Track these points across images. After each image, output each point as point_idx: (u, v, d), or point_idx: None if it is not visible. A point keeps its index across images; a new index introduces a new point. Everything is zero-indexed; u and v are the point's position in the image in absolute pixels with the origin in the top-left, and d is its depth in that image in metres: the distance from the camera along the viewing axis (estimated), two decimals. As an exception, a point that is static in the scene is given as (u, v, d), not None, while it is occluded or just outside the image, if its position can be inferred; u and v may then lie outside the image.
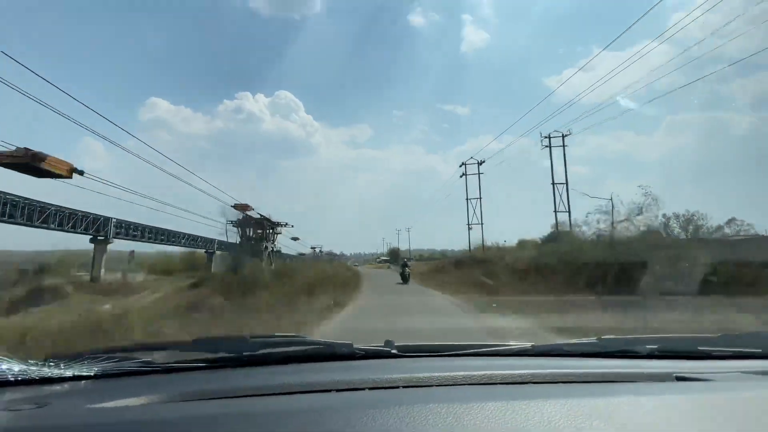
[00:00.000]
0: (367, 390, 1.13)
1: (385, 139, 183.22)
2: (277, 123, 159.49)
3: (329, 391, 1.12)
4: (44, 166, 11.18)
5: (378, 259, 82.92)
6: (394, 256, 77.70)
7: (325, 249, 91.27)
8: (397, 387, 1.15)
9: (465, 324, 9.04)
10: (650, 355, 1.53)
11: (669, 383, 1.24)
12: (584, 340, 1.64)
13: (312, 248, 68.36)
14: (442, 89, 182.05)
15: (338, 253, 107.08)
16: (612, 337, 1.66)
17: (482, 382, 1.20)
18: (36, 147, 11.41)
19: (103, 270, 26.88)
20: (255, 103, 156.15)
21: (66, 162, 11.91)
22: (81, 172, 12.19)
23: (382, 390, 1.13)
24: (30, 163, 10.99)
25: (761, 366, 1.38)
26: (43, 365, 1.23)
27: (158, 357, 1.37)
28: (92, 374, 1.24)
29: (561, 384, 1.20)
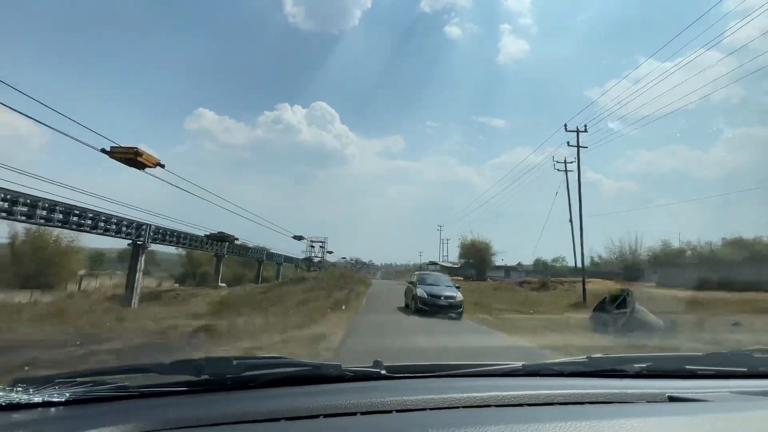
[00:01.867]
0: (358, 415, 1.08)
1: (418, 150, 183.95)
2: (313, 133, 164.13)
3: (318, 416, 1.06)
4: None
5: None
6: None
7: (356, 258, 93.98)
8: (390, 411, 1.10)
9: (453, 343, 8.71)
10: (639, 375, 1.53)
11: (662, 404, 1.23)
12: (574, 359, 1.65)
13: (343, 258, 72.41)
14: (477, 101, 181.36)
15: (367, 262, 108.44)
16: (601, 356, 1.68)
17: (476, 404, 1.16)
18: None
19: (140, 273, 27.92)
20: (293, 114, 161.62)
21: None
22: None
23: (375, 415, 1.08)
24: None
25: (752, 386, 1.40)
26: (10, 390, 1.14)
27: (135, 380, 1.29)
28: (63, 400, 1.15)
29: (555, 405, 1.18)
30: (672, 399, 1.24)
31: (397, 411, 1.10)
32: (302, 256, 65.36)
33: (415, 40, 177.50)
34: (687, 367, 1.56)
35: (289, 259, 60.66)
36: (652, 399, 1.25)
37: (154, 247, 30.79)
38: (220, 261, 40.44)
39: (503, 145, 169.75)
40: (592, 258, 41.88)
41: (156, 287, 38.13)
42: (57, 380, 1.20)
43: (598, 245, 61.10)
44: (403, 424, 1.02)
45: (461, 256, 59.55)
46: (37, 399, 1.13)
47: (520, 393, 1.23)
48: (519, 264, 61.85)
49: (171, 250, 38.15)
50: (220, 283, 37.83)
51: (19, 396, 1.12)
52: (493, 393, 1.22)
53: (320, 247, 67.60)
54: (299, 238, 41.10)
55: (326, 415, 1.06)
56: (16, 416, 1.08)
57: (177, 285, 42.33)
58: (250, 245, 44.21)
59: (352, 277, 30.00)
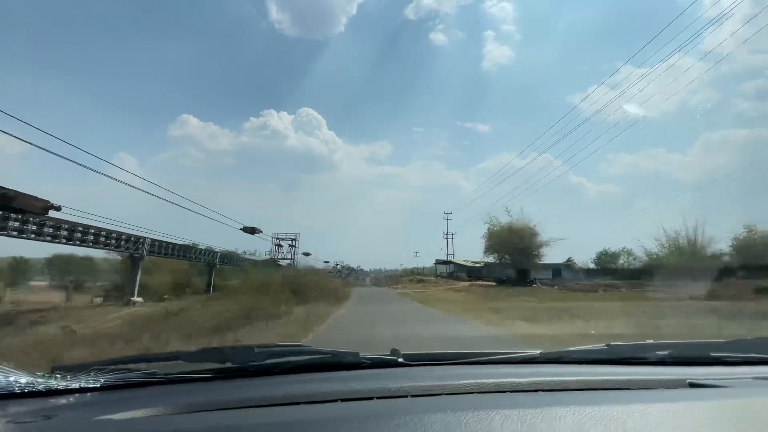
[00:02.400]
0: (375, 399, 1.11)
1: (405, 155, 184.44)
2: (300, 139, 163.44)
3: (336, 400, 1.10)
4: (16, 205, 11.77)
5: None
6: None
7: (341, 263, 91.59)
8: (406, 396, 1.13)
9: (472, 333, 8.88)
10: (661, 362, 1.50)
11: (682, 390, 1.21)
12: (593, 346, 1.62)
13: (326, 262, 68.04)
14: (463, 106, 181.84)
15: (355, 267, 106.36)
16: (621, 343, 1.64)
17: (491, 390, 1.17)
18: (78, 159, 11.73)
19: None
20: (279, 120, 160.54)
21: (42, 199, 12.28)
22: (57, 208, 12.74)
23: (391, 399, 1.11)
24: (2, 203, 11.50)
25: None
26: (50, 377, 1.21)
27: (164, 367, 1.36)
28: (98, 386, 1.22)
29: (571, 392, 1.18)
30: (692, 385, 1.22)
31: (413, 396, 1.13)
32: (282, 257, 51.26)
33: (400, 46, 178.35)
34: (710, 353, 1.53)
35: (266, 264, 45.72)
36: (673, 385, 1.23)
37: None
38: (136, 265, 27.90)
39: (488, 149, 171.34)
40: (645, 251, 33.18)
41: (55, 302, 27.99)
42: (92, 367, 1.27)
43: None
44: (419, 408, 1.03)
45: (489, 250, 40.12)
46: (75, 385, 1.20)
47: (537, 379, 1.23)
48: (570, 260, 44.86)
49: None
50: (134, 297, 27.18)
51: (57, 382, 1.19)
52: (509, 379, 1.22)
53: (290, 245, 53.28)
54: (252, 231, 28.61)
55: (343, 399, 1.10)
56: (55, 401, 1.15)
57: (99, 299, 31.72)
58: (182, 243, 32.31)
59: (321, 288, 23.75)
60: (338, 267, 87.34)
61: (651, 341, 1.66)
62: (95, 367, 1.28)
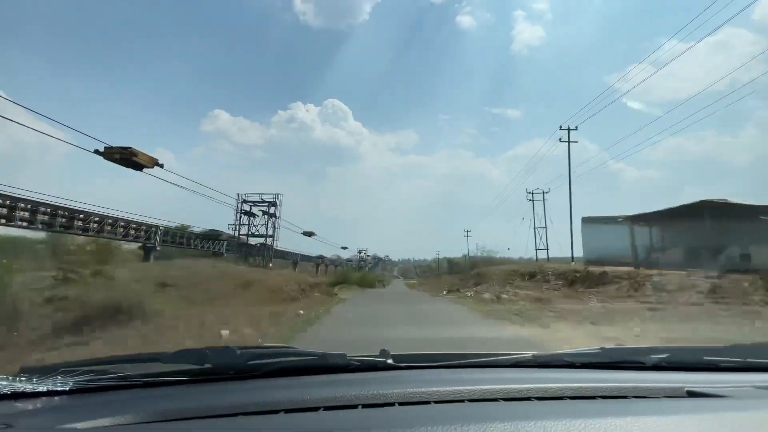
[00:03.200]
0: (360, 407, 1.06)
1: (431, 144, 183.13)
2: (327, 131, 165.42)
3: (318, 408, 1.05)
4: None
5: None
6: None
7: (364, 252, 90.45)
8: (393, 404, 1.08)
9: (465, 333, 8.69)
10: (656, 367, 1.48)
11: (681, 400, 1.18)
12: (587, 349, 1.59)
13: (343, 248, 60.93)
14: (491, 92, 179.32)
15: (383, 257, 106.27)
16: (616, 347, 1.63)
17: (483, 397, 1.13)
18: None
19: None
20: (306, 112, 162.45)
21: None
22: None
23: (377, 408, 1.07)
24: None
25: None
26: (14, 379, 1.16)
27: (138, 370, 1.30)
28: (67, 389, 1.17)
29: (566, 399, 1.14)
30: (691, 394, 1.20)
31: (400, 404, 1.08)
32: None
33: (426, 32, 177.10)
34: (706, 359, 1.50)
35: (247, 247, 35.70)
36: (670, 394, 1.21)
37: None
38: (148, 255, 26.49)
39: (519, 135, 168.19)
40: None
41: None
42: (61, 369, 1.21)
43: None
44: (406, 418, 1.00)
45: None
46: (42, 388, 1.15)
47: (529, 386, 1.19)
48: None
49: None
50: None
51: (23, 385, 1.14)
52: (500, 386, 1.19)
53: (265, 214, 35.18)
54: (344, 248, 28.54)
55: (326, 408, 1.05)
56: (20, 405, 1.10)
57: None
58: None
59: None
60: (362, 255, 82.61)
61: (646, 346, 1.64)
62: (64, 369, 1.22)
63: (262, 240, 36.26)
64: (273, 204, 35.76)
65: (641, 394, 1.20)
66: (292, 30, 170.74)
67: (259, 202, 35.53)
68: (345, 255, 68.39)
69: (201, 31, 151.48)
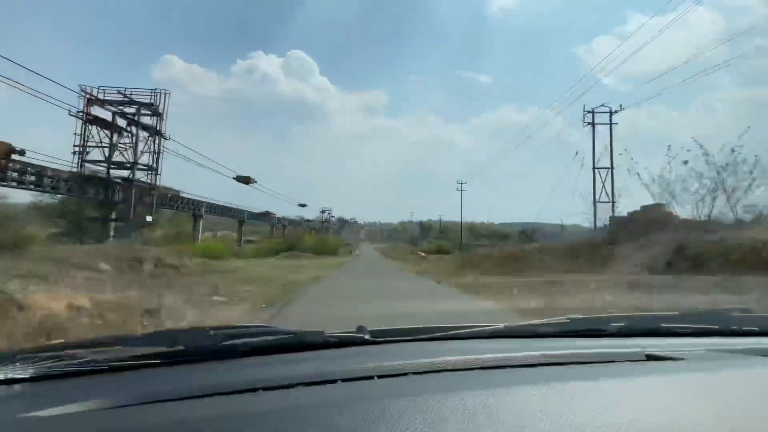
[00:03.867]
0: (339, 382, 1.07)
1: (401, 106, 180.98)
2: (292, 85, 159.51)
3: (297, 385, 1.05)
4: None
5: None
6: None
7: (336, 215, 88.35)
8: (372, 377, 1.10)
9: (440, 307, 9.17)
10: (617, 333, 1.60)
11: (641, 363, 1.27)
12: (555, 319, 1.69)
13: (301, 205, 58.34)
14: (462, 54, 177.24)
15: (349, 219, 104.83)
16: (581, 316, 1.76)
17: (459, 367, 1.18)
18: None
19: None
20: (268, 63, 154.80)
21: (2, 142, 11.14)
22: (21, 152, 11.98)
23: (356, 381, 1.08)
24: None
25: (725, 343, 1.48)
26: None
27: (104, 353, 1.24)
28: (27, 376, 1.10)
29: (536, 367, 1.21)
30: (649, 357, 1.29)
31: (379, 377, 1.10)
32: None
33: None
34: (663, 325, 1.64)
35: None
36: (631, 358, 1.29)
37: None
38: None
39: (489, 102, 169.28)
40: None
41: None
42: (18, 356, 1.16)
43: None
44: (386, 390, 1.02)
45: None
46: None
47: (503, 355, 1.25)
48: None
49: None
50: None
51: None
52: (476, 356, 1.24)
53: (133, 125, 22.77)
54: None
55: (306, 384, 1.05)
56: None
57: None
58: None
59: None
60: (326, 216, 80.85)
61: (607, 314, 1.77)
62: (24, 355, 1.16)
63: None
64: (150, 106, 22.12)
65: (605, 359, 1.29)
66: None
67: (119, 101, 21.14)
68: (307, 215, 63.43)
69: None
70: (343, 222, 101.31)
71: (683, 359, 1.26)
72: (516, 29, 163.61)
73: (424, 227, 77.46)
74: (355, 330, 1.47)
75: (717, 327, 1.62)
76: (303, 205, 54.88)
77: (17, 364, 1.13)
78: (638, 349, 1.34)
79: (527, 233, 52.21)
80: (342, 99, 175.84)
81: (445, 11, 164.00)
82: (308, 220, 67.64)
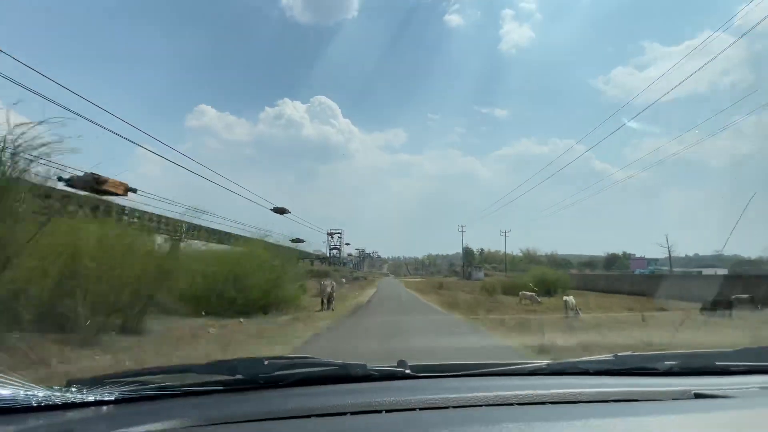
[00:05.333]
0: (384, 413, 1.14)
1: (420, 143, 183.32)
2: (316, 128, 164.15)
3: (345, 413, 1.13)
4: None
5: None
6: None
7: (355, 246, 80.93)
8: (413, 410, 1.16)
9: (479, 343, 8.85)
10: (668, 372, 1.53)
11: (688, 401, 1.24)
12: (600, 357, 1.65)
13: (329, 234, 58.42)
14: (479, 91, 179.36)
15: (370, 252, 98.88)
16: (629, 354, 1.68)
17: (499, 402, 1.20)
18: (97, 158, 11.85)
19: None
20: (294, 109, 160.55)
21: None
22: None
23: (399, 413, 1.14)
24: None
25: None
26: (66, 390, 1.25)
27: (177, 379, 1.40)
28: (113, 399, 1.26)
29: (580, 404, 1.21)
30: (698, 396, 1.25)
31: (421, 409, 1.16)
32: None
33: (414, 29, 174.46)
34: (717, 363, 1.56)
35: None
36: (678, 396, 1.26)
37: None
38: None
39: (507, 135, 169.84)
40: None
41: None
42: (106, 381, 1.31)
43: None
44: (427, 422, 1.06)
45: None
46: (90, 398, 1.24)
47: (544, 392, 1.25)
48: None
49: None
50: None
51: (73, 396, 1.23)
52: (516, 392, 1.25)
53: None
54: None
55: (353, 413, 1.13)
56: (71, 414, 1.19)
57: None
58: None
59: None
60: (336, 242, 65.33)
61: (658, 352, 1.70)
62: (110, 381, 1.31)
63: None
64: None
65: (650, 398, 1.26)
66: (278, 25, 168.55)
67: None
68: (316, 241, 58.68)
69: (184, 24, 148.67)
70: (364, 255, 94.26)
71: (733, 397, 1.22)
72: (531, 65, 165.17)
73: (468, 253, 69.80)
74: (396, 364, 1.54)
75: None
76: (331, 234, 55.71)
77: (107, 387, 1.29)
78: (687, 388, 1.30)
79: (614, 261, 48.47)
80: (363, 138, 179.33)
81: (460, 53, 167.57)
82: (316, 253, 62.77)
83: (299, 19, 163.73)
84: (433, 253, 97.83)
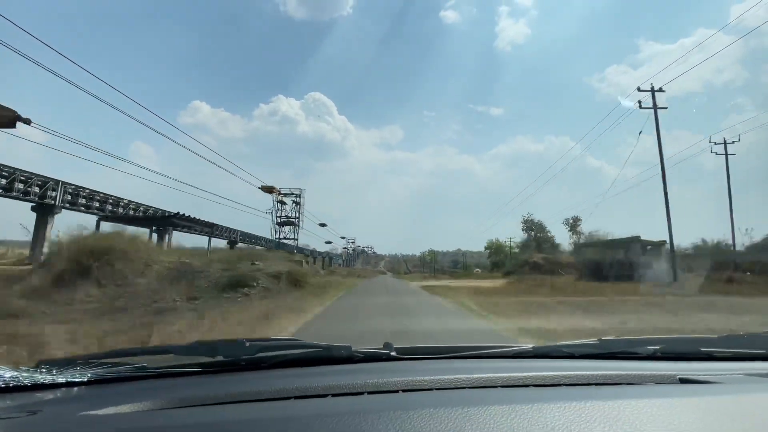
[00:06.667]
0: (366, 394, 1.13)
1: (417, 140, 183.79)
2: (312, 125, 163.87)
3: (327, 395, 1.12)
4: None
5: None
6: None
7: (359, 248, 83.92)
8: (397, 391, 1.16)
9: (467, 326, 9.02)
10: (652, 357, 1.56)
11: (673, 385, 1.25)
12: (585, 341, 1.67)
13: (344, 248, 63.57)
14: (475, 89, 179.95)
15: (365, 248, 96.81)
16: (613, 338, 1.71)
17: (483, 385, 1.21)
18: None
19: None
20: (289, 106, 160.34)
21: (9, 108, 10.84)
22: (27, 121, 11.18)
23: (382, 394, 1.14)
24: None
25: (766, 368, 1.41)
26: (35, 371, 1.22)
27: (153, 361, 1.37)
28: (85, 380, 1.24)
29: (563, 386, 1.22)
30: (683, 381, 1.27)
31: (404, 390, 1.16)
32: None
33: (410, 26, 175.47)
34: (701, 349, 1.58)
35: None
36: (663, 381, 1.27)
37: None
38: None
39: (503, 133, 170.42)
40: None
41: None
42: (79, 362, 1.28)
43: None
44: (410, 403, 1.06)
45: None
46: (61, 379, 1.21)
47: (528, 374, 1.26)
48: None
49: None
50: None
51: (42, 377, 1.20)
52: (500, 374, 1.25)
53: None
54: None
55: (335, 395, 1.12)
56: (41, 395, 1.16)
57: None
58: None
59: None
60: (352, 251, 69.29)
61: (642, 336, 1.71)
62: (82, 361, 1.29)
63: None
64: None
65: (635, 381, 1.27)
66: (272, 21, 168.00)
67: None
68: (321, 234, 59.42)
69: (177, 20, 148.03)
70: (358, 251, 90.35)
71: (719, 383, 1.23)
72: (526, 63, 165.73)
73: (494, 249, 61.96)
74: (381, 346, 1.54)
75: (760, 351, 1.56)
76: (323, 225, 53.95)
77: (78, 368, 1.26)
78: (672, 372, 1.31)
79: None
80: (359, 135, 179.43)
81: (456, 49, 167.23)
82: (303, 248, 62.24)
83: (293, 15, 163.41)
84: (426, 250, 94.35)
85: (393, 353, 1.51)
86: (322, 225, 50.93)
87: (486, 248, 64.85)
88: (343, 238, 67.41)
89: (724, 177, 29.16)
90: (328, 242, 59.70)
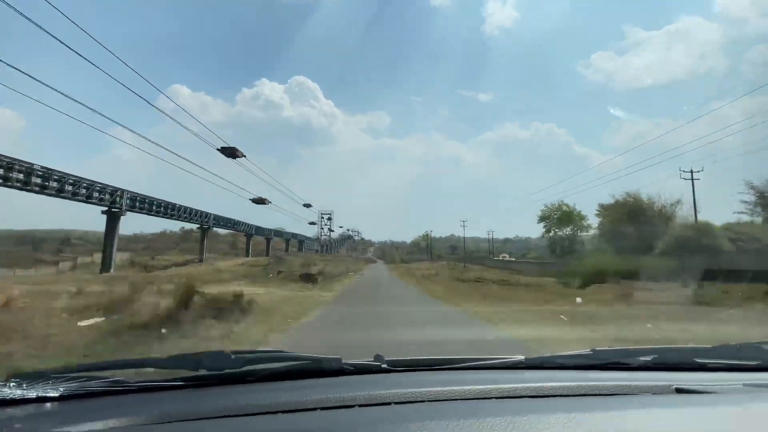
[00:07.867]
0: (357, 407, 1.10)
1: (404, 126, 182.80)
2: (297, 110, 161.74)
3: (316, 409, 1.09)
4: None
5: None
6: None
7: (346, 233, 78.45)
8: (389, 404, 1.13)
9: (457, 336, 8.99)
10: (645, 367, 1.55)
11: (669, 395, 1.24)
12: (578, 351, 1.66)
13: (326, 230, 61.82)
14: (463, 74, 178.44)
15: (353, 233, 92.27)
16: (606, 348, 1.71)
17: (476, 396, 1.19)
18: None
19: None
20: (273, 90, 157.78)
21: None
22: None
23: (373, 407, 1.11)
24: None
25: (762, 378, 1.41)
26: (4, 385, 1.17)
27: (131, 375, 1.32)
28: (58, 395, 1.18)
29: (556, 398, 1.20)
30: (679, 391, 1.26)
31: (396, 403, 1.13)
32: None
33: (396, 7, 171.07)
34: (695, 359, 1.58)
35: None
36: (659, 391, 1.26)
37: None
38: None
39: (491, 120, 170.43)
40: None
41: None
42: (51, 375, 1.22)
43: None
44: (402, 416, 1.04)
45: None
46: (32, 394, 1.15)
47: (521, 385, 1.25)
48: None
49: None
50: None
51: (12, 391, 1.15)
52: (493, 386, 1.24)
53: None
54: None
55: (323, 408, 1.09)
56: (11, 411, 1.10)
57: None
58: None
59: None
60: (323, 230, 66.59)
61: (635, 347, 1.71)
62: (55, 375, 1.23)
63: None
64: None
65: (630, 392, 1.26)
66: (254, 1, 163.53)
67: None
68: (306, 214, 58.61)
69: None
70: (345, 237, 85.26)
71: (715, 393, 1.22)
72: (514, 48, 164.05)
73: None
74: (372, 359, 1.50)
75: (754, 362, 1.56)
76: (307, 205, 53.83)
77: (50, 382, 1.20)
78: (667, 383, 1.31)
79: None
80: (346, 120, 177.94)
81: (444, 33, 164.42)
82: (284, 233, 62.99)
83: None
84: (417, 236, 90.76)
85: (384, 365, 1.48)
86: (307, 205, 51.70)
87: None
88: (307, 205, 55.51)
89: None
90: (312, 223, 59.35)
